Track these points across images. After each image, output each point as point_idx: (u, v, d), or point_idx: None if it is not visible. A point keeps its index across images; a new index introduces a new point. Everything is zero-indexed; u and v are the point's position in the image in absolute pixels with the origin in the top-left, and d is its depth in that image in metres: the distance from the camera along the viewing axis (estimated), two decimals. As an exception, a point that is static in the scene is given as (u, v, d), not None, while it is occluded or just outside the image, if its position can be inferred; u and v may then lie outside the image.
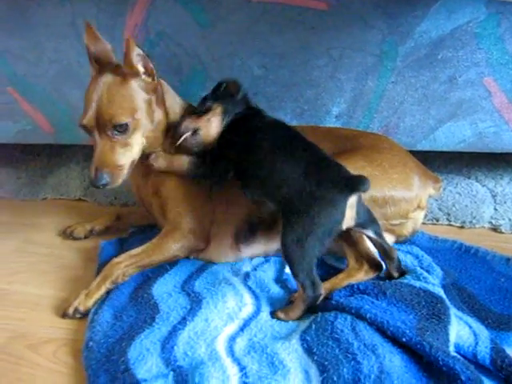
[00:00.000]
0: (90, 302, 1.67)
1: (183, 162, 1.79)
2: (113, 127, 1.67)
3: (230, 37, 2.09)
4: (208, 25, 2.07)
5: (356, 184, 1.44)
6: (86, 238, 2.21)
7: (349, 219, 1.48)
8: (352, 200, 1.46)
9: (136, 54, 1.68)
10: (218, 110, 1.72)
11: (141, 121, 1.73)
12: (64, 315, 1.66)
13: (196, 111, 1.76)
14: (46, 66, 2.33)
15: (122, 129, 1.68)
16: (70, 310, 1.66)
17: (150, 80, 1.75)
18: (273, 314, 1.55)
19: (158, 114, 1.81)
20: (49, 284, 1.88)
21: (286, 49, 2.07)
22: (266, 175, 1.55)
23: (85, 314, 1.64)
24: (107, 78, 1.71)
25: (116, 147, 1.69)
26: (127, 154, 1.72)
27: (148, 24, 2.11)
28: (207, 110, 1.72)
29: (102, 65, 1.76)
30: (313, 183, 1.45)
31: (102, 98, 1.68)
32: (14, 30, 2.28)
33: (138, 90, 1.72)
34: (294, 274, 1.47)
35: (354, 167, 1.66)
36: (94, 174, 1.68)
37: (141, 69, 1.72)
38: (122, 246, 2.02)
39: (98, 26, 2.01)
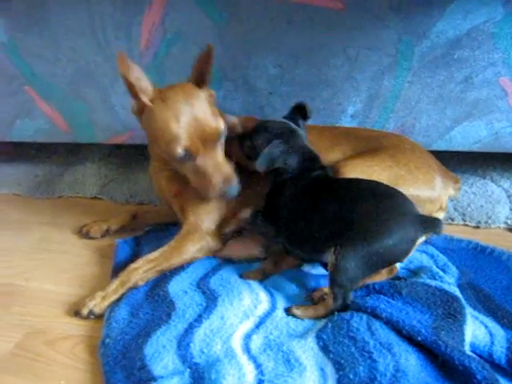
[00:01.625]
0: (106, 305, 1.66)
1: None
2: (218, 139, 1.68)
3: (246, 36, 2.10)
4: (224, 24, 2.08)
5: (432, 225, 1.44)
6: (102, 237, 2.21)
7: (410, 253, 1.48)
8: (421, 239, 1.47)
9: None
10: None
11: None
12: (77, 314, 1.66)
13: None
14: (64, 64, 2.35)
15: (223, 138, 1.71)
16: (85, 311, 1.65)
17: (212, 92, 1.76)
18: (287, 310, 1.55)
19: None
20: (66, 281, 1.89)
21: (301, 48, 2.08)
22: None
23: (98, 316, 1.64)
24: (192, 95, 1.66)
25: (224, 156, 1.72)
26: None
27: (165, 23, 2.12)
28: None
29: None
30: (395, 215, 1.45)
31: (198, 116, 1.63)
32: (31, 28, 2.30)
33: (211, 101, 1.72)
34: (333, 284, 1.46)
35: (381, 167, 1.69)
36: (231, 185, 1.70)
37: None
38: (138, 245, 2.04)
39: (114, 24, 2.03)
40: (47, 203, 2.65)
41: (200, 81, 1.69)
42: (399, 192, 1.53)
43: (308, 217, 1.57)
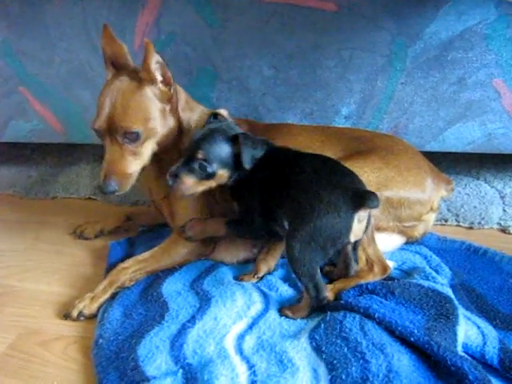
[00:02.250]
0: (95, 306, 1.66)
1: (219, 226, 1.78)
2: (124, 135, 1.65)
3: (240, 37, 2.10)
4: (218, 25, 2.09)
5: (364, 200, 1.43)
6: (95, 238, 2.22)
7: (357, 232, 1.48)
8: (361, 215, 1.46)
9: (155, 60, 1.66)
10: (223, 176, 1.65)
11: (153, 130, 1.71)
12: (67, 316, 1.66)
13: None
14: (58, 65, 2.35)
15: (133, 137, 1.66)
16: (74, 313, 1.65)
17: (166, 89, 1.72)
18: (280, 311, 1.55)
19: (171, 122, 1.78)
20: (59, 282, 1.89)
21: (295, 49, 2.08)
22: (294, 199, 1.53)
23: (88, 317, 1.65)
24: (122, 83, 1.69)
25: (126, 155, 1.68)
26: (137, 162, 1.71)
27: (159, 25, 2.13)
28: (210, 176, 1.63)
29: (117, 67, 1.75)
30: (325, 192, 1.44)
31: (115, 104, 1.66)
32: (26, 30, 2.30)
33: (152, 99, 1.70)
34: (298, 277, 1.47)
35: (371, 168, 1.69)
36: (102, 179, 1.66)
37: (158, 77, 1.70)
38: (132, 246, 2.04)
39: (109, 25, 2.02)
40: (41, 204, 2.65)
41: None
42: (340, 167, 1.55)
43: (272, 194, 1.58)
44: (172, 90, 1.74)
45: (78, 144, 2.74)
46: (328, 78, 2.12)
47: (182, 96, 1.86)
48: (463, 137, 2.12)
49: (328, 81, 2.12)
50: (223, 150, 1.58)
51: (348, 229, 1.44)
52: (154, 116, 1.70)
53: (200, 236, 1.79)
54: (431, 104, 2.09)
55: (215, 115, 1.70)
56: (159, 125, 1.72)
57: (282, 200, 1.53)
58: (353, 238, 1.48)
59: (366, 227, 1.52)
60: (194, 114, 1.88)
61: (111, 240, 2.10)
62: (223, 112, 1.73)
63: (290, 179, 1.53)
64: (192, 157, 1.57)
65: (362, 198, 1.43)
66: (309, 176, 1.50)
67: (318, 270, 1.47)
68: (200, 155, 1.56)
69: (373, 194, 1.43)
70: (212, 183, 1.62)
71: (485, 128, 2.08)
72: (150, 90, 1.69)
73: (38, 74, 2.41)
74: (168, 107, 1.75)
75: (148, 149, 1.72)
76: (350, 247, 1.59)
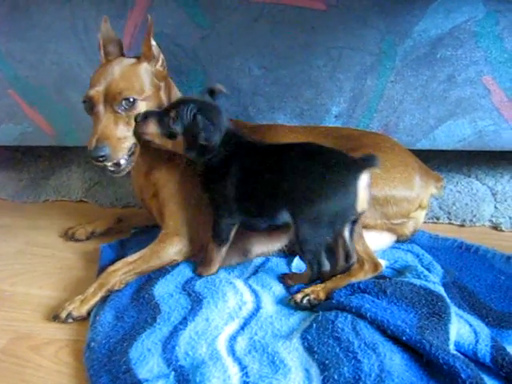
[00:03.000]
0: (85, 309, 1.65)
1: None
2: (121, 101, 1.69)
3: (230, 37, 2.10)
4: (207, 26, 2.08)
5: (365, 161, 1.47)
6: (87, 239, 2.21)
7: (363, 201, 1.50)
8: (364, 179, 1.48)
9: (153, 42, 1.77)
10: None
11: (147, 103, 1.74)
12: (55, 318, 1.65)
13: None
14: (47, 68, 2.34)
15: (130, 104, 1.70)
16: (63, 314, 1.64)
17: (161, 68, 1.81)
18: (282, 278, 1.64)
19: (165, 100, 1.83)
20: (51, 285, 1.88)
21: (285, 49, 2.08)
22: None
23: (77, 320, 1.64)
24: (121, 61, 1.77)
25: (119, 122, 1.71)
26: (130, 131, 1.72)
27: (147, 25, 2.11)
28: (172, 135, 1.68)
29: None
30: (324, 170, 1.47)
31: (114, 74, 1.71)
32: (15, 32, 2.29)
33: (149, 73, 1.78)
34: (303, 253, 1.52)
35: None
36: (94, 144, 1.66)
37: (156, 55, 1.79)
38: (124, 248, 2.03)
39: (98, 27, 2.02)
40: (32, 207, 2.65)
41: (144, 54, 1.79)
42: (324, 147, 1.58)
43: (255, 186, 1.61)
44: (166, 70, 1.84)
45: (69, 147, 2.72)
46: (318, 78, 2.11)
47: (172, 85, 1.91)
48: (454, 134, 2.12)
49: (318, 80, 2.12)
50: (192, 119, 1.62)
51: (354, 198, 1.47)
52: (149, 89, 1.77)
53: (213, 262, 1.78)
54: (421, 102, 2.08)
55: (211, 91, 1.74)
56: (155, 97, 1.78)
57: (277, 191, 1.55)
58: (360, 208, 1.50)
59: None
60: None
61: (103, 242, 2.09)
62: (219, 87, 1.77)
63: (281, 168, 1.56)
64: (165, 112, 1.67)
65: (360, 161, 1.47)
66: (302, 160, 1.53)
67: (324, 249, 1.51)
68: (172, 113, 1.64)
69: (371, 154, 1.47)
70: (169, 144, 1.69)
71: (475, 125, 2.08)
72: (147, 65, 1.78)
73: (28, 76, 2.40)
74: (163, 85, 1.82)
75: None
76: (347, 234, 1.59)
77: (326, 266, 1.53)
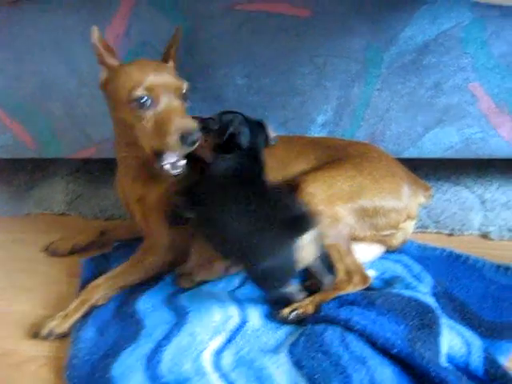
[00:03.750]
0: (67, 325, 1.62)
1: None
2: (181, 93, 1.68)
3: (212, 46, 2.07)
4: (190, 34, 2.05)
5: (299, 226, 1.42)
6: (69, 254, 2.17)
7: (305, 259, 1.47)
8: (304, 240, 1.43)
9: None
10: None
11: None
12: (36, 335, 1.62)
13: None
14: (27, 78, 2.30)
15: (185, 98, 1.72)
16: (44, 332, 1.61)
17: None
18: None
19: None
20: (32, 301, 1.84)
21: (269, 57, 2.05)
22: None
23: (59, 337, 1.61)
24: (155, 60, 1.77)
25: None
26: None
27: (130, 34, 2.09)
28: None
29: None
30: (260, 231, 1.43)
31: (167, 69, 1.70)
32: (-6, 42, 2.26)
33: None
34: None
35: (343, 177, 1.68)
36: (194, 126, 1.60)
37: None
38: (107, 261, 1.99)
39: (78, 36, 1.99)
40: (14, 221, 2.60)
41: (166, 57, 1.80)
42: (272, 195, 1.55)
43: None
44: None
45: (51, 159, 2.69)
46: (302, 86, 2.09)
47: None
48: (441, 142, 2.09)
49: (303, 88, 2.09)
50: None
51: (292, 263, 1.43)
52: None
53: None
54: (408, 110, 2.06)
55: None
56: None
57: (225, 234, 1.53)
58: (302, 266, 1.48)
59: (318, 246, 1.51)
60: None
61: (86, 256, 2.05)
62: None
63: (233, 214, 1.53)
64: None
65: (296, 224, 1.42)
66: (250, 211, 1.49)
67: (287, 286, 1.49)
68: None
69: (307, 215, 1.43)
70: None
71: (463, 133, 2.06)
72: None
73: (7, 87, 2.35)
74: None
75: None
76: (317, 262, 1.56)
77: (298, 295, 1.52)
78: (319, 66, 2.02)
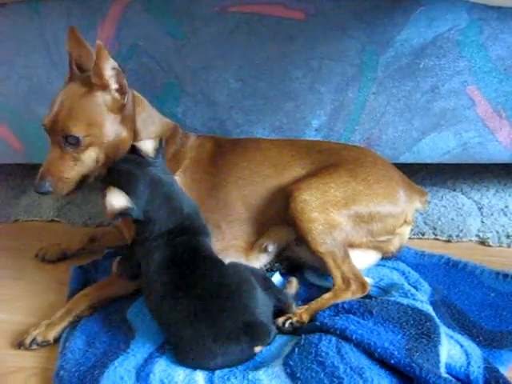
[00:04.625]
0: (51, 335, 1.59)
1: None
2: (65, 137, 1.62)
3: (205, 49, 2.05)
4: (182, 37, 2.03)
5: (259, 336, 1.37)
6: (58, 260, 2.13)
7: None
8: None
9: (111, 66, 1.62)
10: None
11: (97, 138, 1.66)
12: (20, 345, 1.59)
13: None
14: (16, 82, 2.27)
15: (73, 141, 1.62)
16: (28, 340, 1.58)
17: (118, 98, 1.68)
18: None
19: (123, 133, 1.72)
20: (20, 310, 1.82)
21: (263, 60, 2.03)
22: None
23: (42, 346, 1.58)
24: (73, 86, 1.67)
25: (66, 158, 1.65)
26: (76, 168, 1.67)
27: (120, 37, 2.07)
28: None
29: (83, 71, 1.73)
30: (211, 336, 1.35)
31: (62, 105, 1.64)
32: (-18, 45, 2.23)
33: (101, 105, 1.66)
34: None
35: (337, 183, 1.66)
36: (37, 179, 1.65)
37: (112, 83, 1.66)
38: (97, 269, 1.97)
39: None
40: (2, 228, 2.56)
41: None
42: (231, 301, 1.40)
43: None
44: (126, 100, 1.70)
45: (40, 164, 2.65)
46: (297, 90, 2.06)
47: (145, 108, 1.82)
48: (438, 147, 2.07)
49: (297, 92, 2.07)
50: None
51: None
52: (100, 123, 1.67)
53: None
54: (404, 114, 2.04)
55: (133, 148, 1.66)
56: (106, 133, 1.68)
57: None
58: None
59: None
60: (155, 127, 1.83)
61: (75, 263, 2.02)
62: (144, 145, 1.65)
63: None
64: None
65: (257, 335, 1.37)
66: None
67: None
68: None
69: (263, 328, 1.37)
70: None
71: (460, 137, 2.04)
72: (100, 95, 1.66)
73: (-5, 91, 2.33)
74: (119, 116, 1.70)
75: (90, 156, 1.68)
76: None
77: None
78: (314, 69, 2.00)
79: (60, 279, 1.98)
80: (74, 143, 1.62)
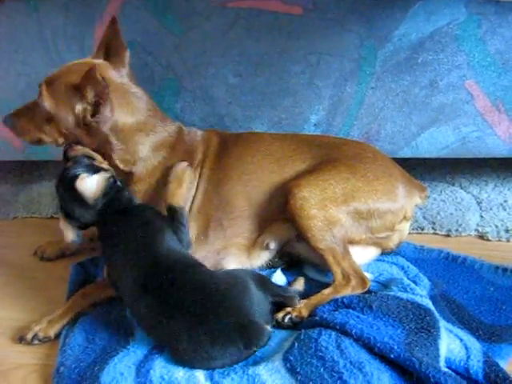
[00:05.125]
0: (52, 331, 1.60)
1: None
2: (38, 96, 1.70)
3: (204, 45, 2.05)
4: (180, 33, 2.03)
5: (253, 337, 1.33)
6: (57, 258, 2.13)
7: None
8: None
9: (94, 90, 1.59)
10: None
11: (59, 123, 1.70)
12: (21, 340, 1.60)
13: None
14: (14, 79, 2.27)
15: (42, 110, 1.69)
16: (29, 336, 1.59)
17: (89, 109, 1.65)
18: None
19: (84, 139, 1.72)
20: (20, 307, 1.82)
21: (261, 56, 2.03)
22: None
23: (43, 341, 1.59)
24: (82, 68, 1.63)
25: (35, 116, 1.74)
26: (36, 130, 1.76)
27: (118, 33, 2.06)
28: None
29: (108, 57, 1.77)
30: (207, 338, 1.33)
31: (60, 75, 1.71)
32: (-19, 42, 2.22)
33: (73, 103, 1.65)
34: None
35: (336, 180, 1.65)
36: (9, 114, 1.82)
37: (89, 99, 1.62)
38: (96, 267, 1.96)
39: (66, 36, 1.97)
40: (1, 225, 2.56)
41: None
42: (226, 302, 1.38)
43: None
44: (97, 118, 1.66)
45: (39, 161, 2.65)
46: (295, 85, 2.06)
47: (127, 139, 1.75)
48: (437, 142, 2.07)
49: (296, 87, 2.06)
50: None
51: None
52: (63, 117, 1.69)
53: None
54: (403, 109, 2.04)
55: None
56: (65, 125, 1.70)
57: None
58: None
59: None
60: (135, 154, 1.78)
61: (75, 260, 2.02)
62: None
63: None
64: None
65: (250, 336, 1.33)
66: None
67: None
68: None
69: (259, 329, 1.34)
70: None
71: (459, 132, 2.04)
72: (78, 98, 1.65)
73: (-6, 88, 2.33)
74: (82, 127, 1.70)
75: (50, 131, 1.74)
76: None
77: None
78: (312, 65, 2.00)
79: (60, 276, 1.98)
80: (40, 107, 1.69)
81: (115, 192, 1.60)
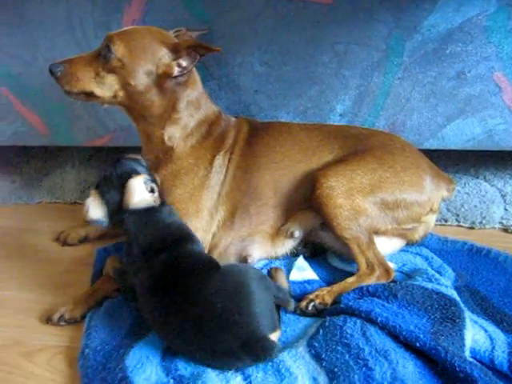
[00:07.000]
0: (78, 312, 1.61)
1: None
2: (105, 46, 1.66)
3: (231, 33, 2.05)
4: (208, 20, 2.03)
5: (259, 353, 1.27)
6: (80, 243, 2.16)
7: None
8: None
9: (190, 51, 1.65)
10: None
11: (125, 72, 1.66)
12: (48, 320, 1.61)
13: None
14: (42, 65, 2.27)
15: (106, 54, 1.65)
16: (56, 317, 1.60)
17: (173, 70, 1.67)
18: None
19: (152, 95, 1.70)
20: (44, 290, 1.83)
21: (288, 44, 2.02)
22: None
23: (69, 323, 1.60)
24: (161, 31, 1.74)
25: (91, 65, 1.69)
26: (91, 80, 1.68)
27: (146, 20, 2.07)
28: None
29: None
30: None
31: (134, 28, 1.73)
32: (8, 27, 2.24)
33: (155, 56, 1.66)
34: None
35: (364, 170, 1.66)
36: (58, 60, 1.71)
37: (181, 60, 1.67)
38: (120, 252, 1.95)
39: (94, 22, 1.97)
40: (25, 209, 2.59)
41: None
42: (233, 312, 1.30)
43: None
44: (178, 79, 1.70)
45: (63, 146, 2.66)
46: (322, 74, 2.05)
47: (194, 92, 1.80)
48: (463, 133, 2.05)
49: (322, 77, 2.06)
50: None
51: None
52: (137, 64, 1.66)
53: None
54: (429, 100, 2.02)
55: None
56: (135, 76, 1.67)
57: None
58: None
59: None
60: (198, 111, 1.81)
61: (97, 246, 2.04)
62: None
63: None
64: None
65: (254, 355, 1.27)
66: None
67: None
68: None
69: (264, 342, 1.27)
70: None
71: (485, 124, 2.02)
72: (165, 51, 1.67)
73: (21, 73, 2.33)
74: (159, 80, 1.69)
75: (110, 82, 1.69)
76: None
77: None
78: (340, 54, 1.99)
79: (83, 260, 2.01)
80: (106, 56, 1.65)
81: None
